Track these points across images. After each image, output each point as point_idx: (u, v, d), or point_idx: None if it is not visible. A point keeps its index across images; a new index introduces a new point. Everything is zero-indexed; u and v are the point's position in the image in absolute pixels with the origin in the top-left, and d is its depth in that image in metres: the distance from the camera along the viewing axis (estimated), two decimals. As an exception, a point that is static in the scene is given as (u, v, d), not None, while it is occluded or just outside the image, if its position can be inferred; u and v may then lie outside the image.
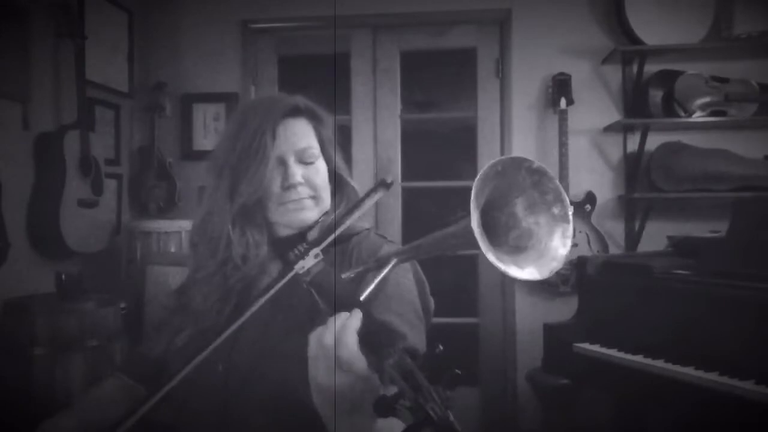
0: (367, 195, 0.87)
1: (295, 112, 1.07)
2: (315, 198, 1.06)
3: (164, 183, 3.22)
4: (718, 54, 2.99)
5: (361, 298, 0.79)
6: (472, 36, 3.29)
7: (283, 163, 1.04)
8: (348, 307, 0.74)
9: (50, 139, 2.57)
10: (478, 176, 0.67)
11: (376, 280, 0.83)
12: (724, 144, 2.95)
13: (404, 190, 3.31)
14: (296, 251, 0.88)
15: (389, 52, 3.31)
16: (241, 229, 1.03)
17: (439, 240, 0.81)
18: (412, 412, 0.61)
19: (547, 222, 0.72)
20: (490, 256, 0.66)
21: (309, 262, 0.84)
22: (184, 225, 2.92)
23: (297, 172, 1.04)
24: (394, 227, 3.25)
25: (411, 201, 3.35)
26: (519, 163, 0.71)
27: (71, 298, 2.33)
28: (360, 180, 3.55)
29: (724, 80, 2.95)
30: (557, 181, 0.73)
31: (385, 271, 0.84)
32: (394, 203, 3.29)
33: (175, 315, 1.09)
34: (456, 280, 3.32)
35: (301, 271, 0.83)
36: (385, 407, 0.62)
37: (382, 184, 0.86)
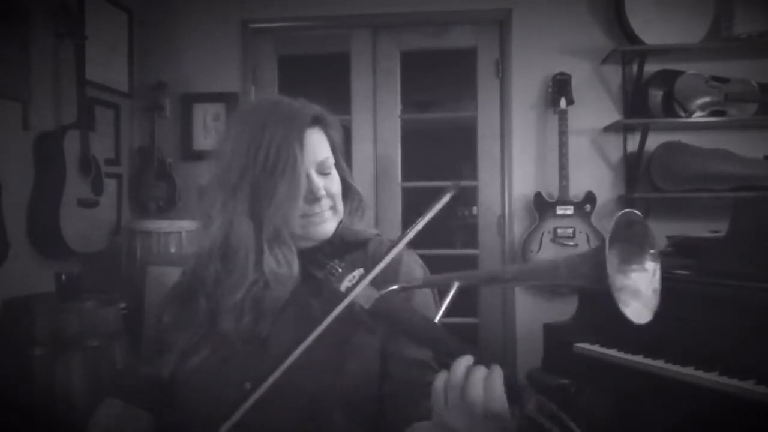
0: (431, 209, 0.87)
1: (314, 121, 1.04)
2: (333, 208, 1.05)
3: (164, 183, 3.22)
4: (718, 54, 2.99)
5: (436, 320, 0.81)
6: (472, 36, 3.28)
7: (306, 176, 1.00)
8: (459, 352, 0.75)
9: (50, 139, 2.57)
10: (611, 235, 0.71)
11: (443, 307, 0.83)
12: (724, 144, 2.95)
13: (404, 190, 3.31)
14: (333, 270, 0.87)
15: (389, 52, 3.31)
16: (269, 248, 0.99)
17: (525, 273, 0.83)
18: None
19: (640, 266, 0.77)
20: (615, 294, 0.71)
21: (352, 282, 0.84)
22: (184, 225, 2.92)
23: (320, 185, 1.01)
24: (394, 227, 3.24)
25: (411, 201, 3.35)
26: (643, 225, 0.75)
27: (71, 298, 2.32)
28: (360, 180, 3.56)
29: (724, 80, 2.94)
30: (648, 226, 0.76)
31: (450, 295, 0.84)
32: (394, 203, 3.29)
33: (179, 332, 1.03)
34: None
35: (345, 291, 0.83)
36: None
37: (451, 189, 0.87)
